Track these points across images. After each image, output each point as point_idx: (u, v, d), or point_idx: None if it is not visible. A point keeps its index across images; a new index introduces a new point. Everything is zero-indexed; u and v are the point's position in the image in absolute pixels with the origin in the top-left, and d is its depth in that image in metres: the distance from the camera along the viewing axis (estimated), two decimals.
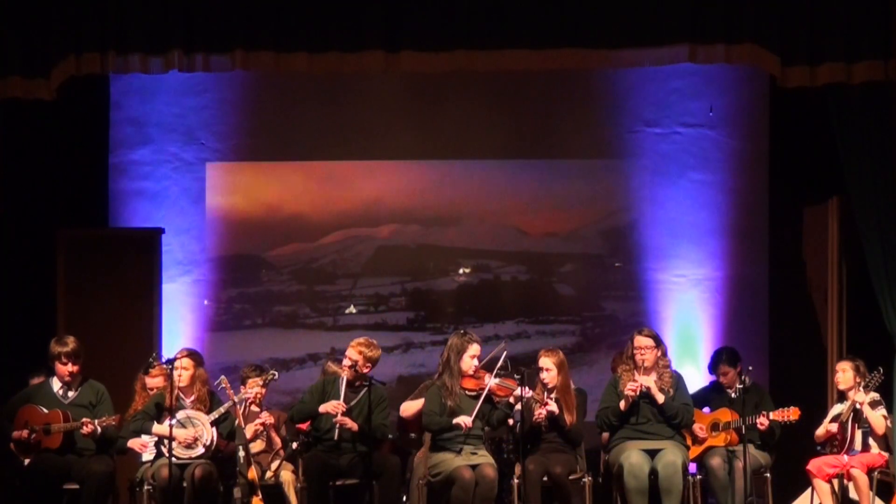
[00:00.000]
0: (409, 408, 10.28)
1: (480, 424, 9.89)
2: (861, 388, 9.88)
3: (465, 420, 9.72)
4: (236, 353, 11.98)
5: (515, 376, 9.72)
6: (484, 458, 9.74)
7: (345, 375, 9.82)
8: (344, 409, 9.68)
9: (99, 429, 9.59)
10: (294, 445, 10.11)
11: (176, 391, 9.62)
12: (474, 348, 9.94)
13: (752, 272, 12.10)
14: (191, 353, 9.85)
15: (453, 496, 9.59)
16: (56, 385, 9.83)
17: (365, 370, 9.82)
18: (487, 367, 10.01)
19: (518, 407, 9.79)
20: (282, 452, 10.27)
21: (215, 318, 12.17)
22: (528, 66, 10.27)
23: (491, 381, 9.85)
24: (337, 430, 9.66)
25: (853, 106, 10.13)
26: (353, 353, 9.81)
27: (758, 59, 10.04)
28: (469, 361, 9.92)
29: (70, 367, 9.73)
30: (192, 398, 9.75)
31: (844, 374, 10.01)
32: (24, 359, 10.68)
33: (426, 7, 9.98)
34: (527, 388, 9.72)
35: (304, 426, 10.05)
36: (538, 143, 12.20)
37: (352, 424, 9.68)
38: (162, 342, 11.37)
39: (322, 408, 9.74)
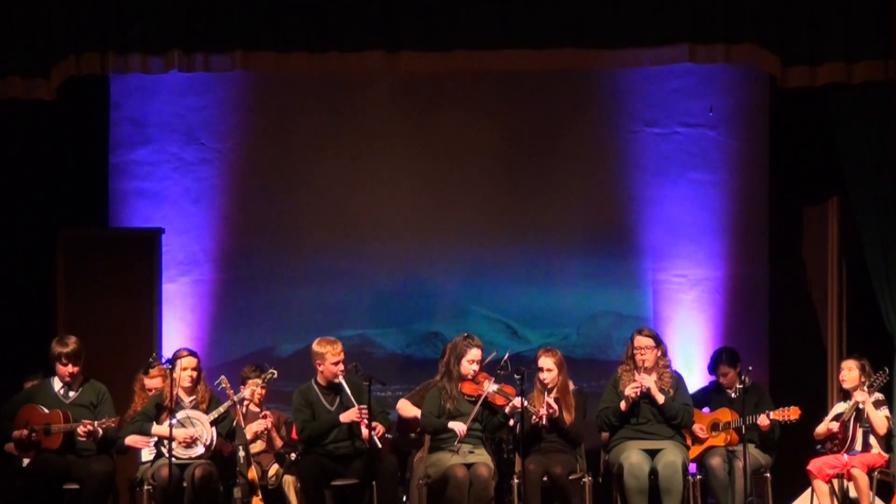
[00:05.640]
0: (407, 409, 10.24)
1: (479, 426, 9.88)
2: (865, 388, 9.88)
3: (459, 427, 9.68)
4: (236, 353, 11.98)
5: (516, 377, 9.70)
6: (480, 457, 9.73)
7: (342, 380, 9.78)
8: (366, 412, 9.62)
9: (100, 430, 9.58)
10: (292, 457, 10.06)
11: (175, 391, 9.63)
12: (474, 353, 9.89)
13: (752, 272, 12.09)
14: (192, 353, 9.85)
15: (447, 495, 9.58)
16: (57, 385, 9.80)
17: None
18: (488, 368, 10.00)
19: (515, 411, 9.79)
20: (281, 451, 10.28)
21: (215, 317, 12.16)
22: (528, 66, 10.29)
23: (489, 388, 9.83)
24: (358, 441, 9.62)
25: (853, 106, 10.15)
26: (336, 353, 9.71)
27: (758, 59, 10.05)
28: (468, 366, 9.89)
29: (70, 368, 9.70)
30: (192, 398, 9.74)
31: (850, 372, 9.98)
32: (24, 359, 10.67)
33: (426, 7, 9.99)
34: (523, 401, 9.66)
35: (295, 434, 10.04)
36: (538, 143, 12.18)
37: (380, 429, 9.69)
38: (162, 342, 11.36)
39: (345, 417, 9.65)
